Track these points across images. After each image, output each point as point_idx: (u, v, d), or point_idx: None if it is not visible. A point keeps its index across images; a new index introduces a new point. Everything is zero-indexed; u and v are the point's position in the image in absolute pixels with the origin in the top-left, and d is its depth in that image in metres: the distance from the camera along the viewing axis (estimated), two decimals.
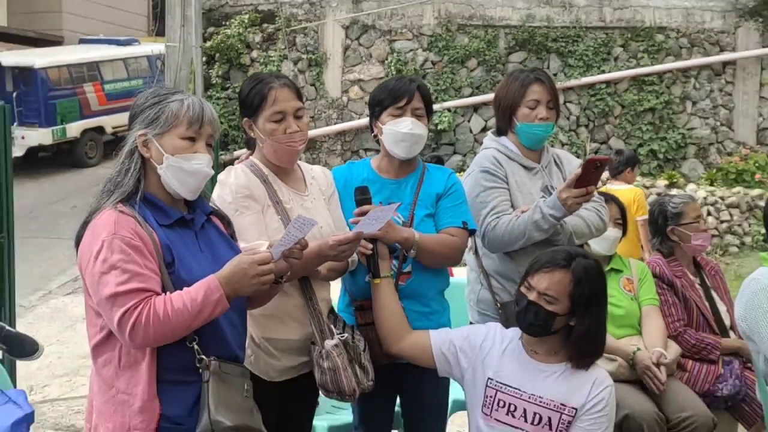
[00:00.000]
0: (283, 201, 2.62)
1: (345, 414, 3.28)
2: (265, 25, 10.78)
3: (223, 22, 10.76)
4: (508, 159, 3.08)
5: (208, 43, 10.55)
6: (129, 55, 16.58)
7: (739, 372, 3.44)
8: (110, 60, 16.12)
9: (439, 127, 10.44)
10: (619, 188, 7.00)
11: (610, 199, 3.61)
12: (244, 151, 2.86)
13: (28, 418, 2.55)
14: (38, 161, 15.26)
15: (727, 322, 3.65)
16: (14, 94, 14.30)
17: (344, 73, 10.87)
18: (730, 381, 3.41)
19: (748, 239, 10.06)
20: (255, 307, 2.37)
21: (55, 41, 18.40)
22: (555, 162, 3.20)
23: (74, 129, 15.17)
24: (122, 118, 15.62)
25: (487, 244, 3.01)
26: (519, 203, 3.01)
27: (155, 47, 16.93)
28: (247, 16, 10.70)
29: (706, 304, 3.64)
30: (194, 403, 2.07)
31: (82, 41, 17.76)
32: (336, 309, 2.88)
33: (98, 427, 2.09)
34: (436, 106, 10.32)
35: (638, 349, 3.31)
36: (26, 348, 3.36)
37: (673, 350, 3.42)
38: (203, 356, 2.07)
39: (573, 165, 3.20)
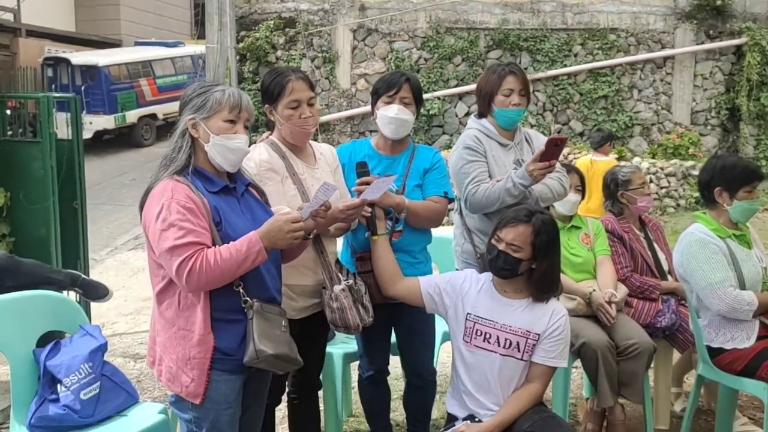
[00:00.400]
0: (298, 173, 2.60)
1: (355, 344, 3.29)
2: (287, 29, 10.59)
3: (253, 27, 10.57)
4: (487, 137, 3.05)
5: (241, 45, 10.41)
6: (175, 55, 16.41)
7: (675, 308, 3.42)
8: (160, 59, 15.97)
9: (430, 112, 10.35)
10: (600, 159, 6.96)
11: (572, 169, 3.57)
12: (266, 133, 2.83)
13: (102, 348, 2.56)
14: (103, 143, 15.20)
15: (666, 268, 3.63)
16: (82, 88, 14.18)
17: (353, 68, 10.73)
18: (667, 315, 3.40)
19: (682, 201, 10.02)
20: (288, 261, 2.36)
21: (115, 44, 18.20)
22: (526, 139, 3.17)
23: (132, 116, 15.10)
24: (172, 107, 15.66)
25: (468, 207, 2.99)
26: (495, 174, 2.99)
27: (197, 48, 16.71)
28: (272, 22, 10.51)
29: (649, 253, 3.62)
30: (242, 338, 2.07)
31: (137, 43, 17.58)
32: (341, 260, 2.89)
33: (162, 358, 2.10)
34: (427, 95, 10.25)
35: (594, 290, 3.29)
36: (99, 292, 3.37)
37: (622, 291, 3.41)
38: (247, 298, 2.07)
39: (540, 141, 3.16)
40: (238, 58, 10.36)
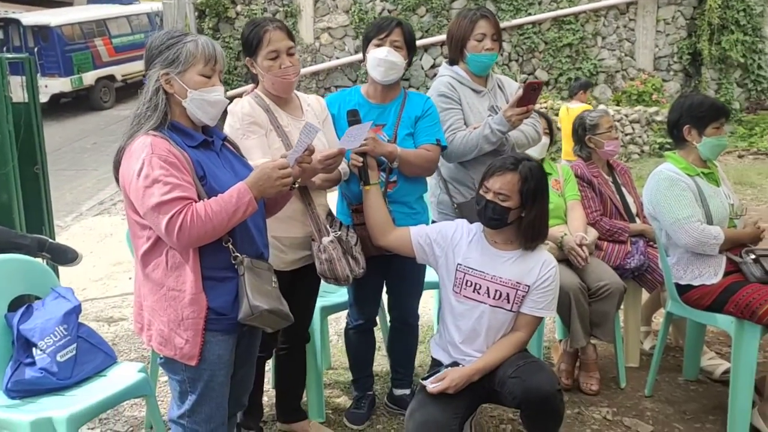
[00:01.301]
0: (283, 125, 2.55)
1: (334, 296, 3.29)
2: None
3: None
4: (461, 84, 3.02)
5: (199, 0, 10.09)
6: (131, 12, 15.85)
7: (644, 249, 3.49)
8: (115, 17, 15.40)
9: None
10: (574, 107, 7.05)
11: (540, 114, 3.57)
12: (250, 85, 2.75)
13: (77, 309, 2.51)
14: (61, 107, 14.75)
15: (634, 211, 3.69)
16: (35, 50, 13.64)
17: (315, 22, 10.49)
18: (636, 256, 3.47)
19: (646, 147, 10.14)
20: (272, 214, 2.31)
21: (66, 2, 17.50)
22: (498, 86, 3.15)
23: (89, 78, 14.60)
24: (130, 68, 15.24)
25: (446, 156, 2.97)
26: (471, 121, 2.97)
27: (153, 5, 16.24)
28: None
29: (617, 197, 3.67)
30: (234, 297, 2.03)
31: (90, 1, 16.93)
32: (336, 213, 2.86)
33: (152, 322, 2.04)
34: None
35: (565, 234, 3.34)
36: (68, 256, 3.30)
37: (592, 234, 3.46)
38: (237, 254, 2.02)
39: (513, 87, 3.15)
40: (196, 14, 10.06)
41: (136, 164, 1.93)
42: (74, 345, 2.44)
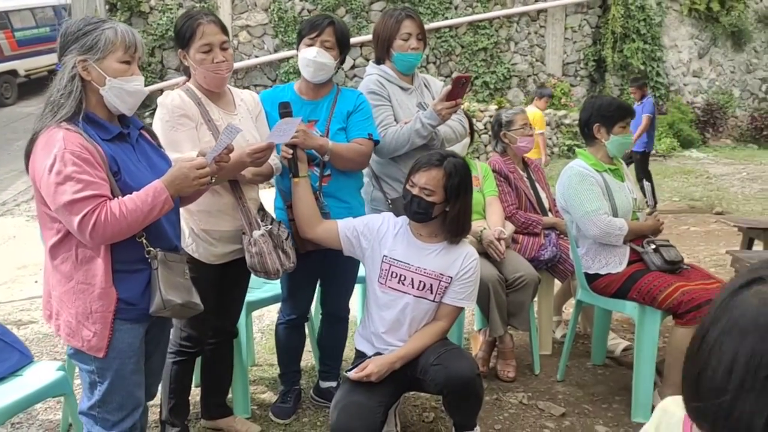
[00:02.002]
0: (214, 119, 2.53)
1: (259, 292, 3.29)
2: None
3: None
4: (388, 82, 3.08)
5: None
6: (35, 5, 15.03)
7: (556, 241, 3.67)
8: (18, 10, 14.56)
9: None
10: (529, 111, 7.41)
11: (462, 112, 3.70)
12: (183, 78, 2.71)
13: None
14: None
15: (546, 206, 3.88)
16: None
17: (233, 19, 10.34)
18: (549, 248, 3.64)
19: (556, 149, 10.60)
20: (186, 204, 2.30)
21: None
22: (424, 84, 3.24)
23: None
24: (34, 62, 14.48)
25: (377, 152, 3.02)
26: (400, 117, 3.04)
27: None
28: None
29: (531, 192, 3.84)
30: (145, 287, 2.02)
31: None
32: (273, 208, 2.86)
33: (60, 312, 2.01)
34: None
35: (484, 229, 3.46)
36: None
37: (509, 228, 3.61)
38: (151, 248, 2.01)
39: (437, 86, 3.26)
40: (107, 7, 9.70)
41: (47, 159, 1.87)
42: None
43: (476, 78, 10.92)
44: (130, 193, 1.95)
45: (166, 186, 1.95)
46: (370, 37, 11.28)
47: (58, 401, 3.05)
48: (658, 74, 11.81)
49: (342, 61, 2.90)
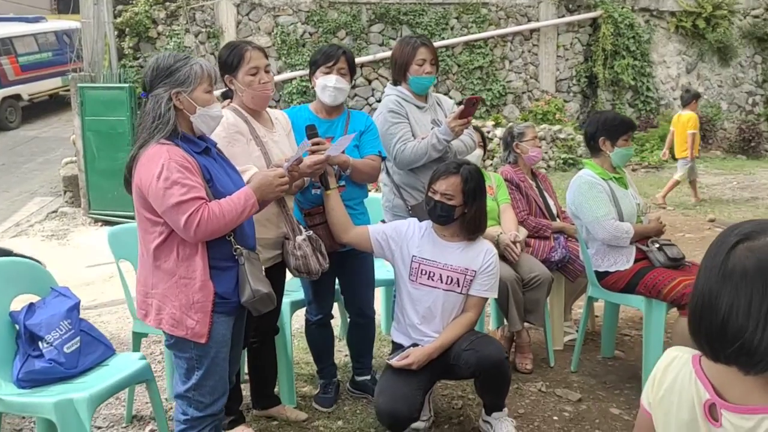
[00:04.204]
0: (260, 136, 2.85)
1: (298, 294, 3.60)
2: (167, 3, 10.37)
3: (131, 1, 10.27)
4: (406, 102, 3.44)
5: (119, 19, 10.09)
6: (38, 31, 15.33)
7: (565, 244, 4.00)
8: (22, 36, 14.87)
9: None
10: (685, 113, 8.75)
11: (475, 128, 4.05)
12: (227, 101, 3.05)
13: (77, 305, 2.71)
14: None
15: (554, 211, 4.23)
16: None
17: None
18: (559, 250, 3.97)
19: (552, 163, 10.97)
20: (257, 212, 2.60)
21: None
22: (437, 102, 3.61)
23: None
24: (37, 86, 14.80)
25: (398, 164, 3.38)
26: (417, 133, 3.40)
27: (61, 24, 15.85)
28: None
29: (540, 199, 4.19)
30: (235, 284, 2.32)
31: None
32: None
33: (162, 307, 2.29)
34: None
35: (500, 233, 3.80)
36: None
37: (523, 233, 3.94)
38: (238, 246, 2.33)
39: (448, 104, 3.64)
40: (116, 33, 10.04)
41: (155, 168, 2.18)
42: (78, 338, 2.65)
43: (473, 95, 11.31)
44: (220, 198, 2.27)
45: (254, 191, 2.30)
46: (370, 58, 11.63)
47: (117, 398, 3.35)
48: (648, 89, 12.26)
49: (351, 85, 3.26)
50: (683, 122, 8.68)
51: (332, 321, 3.42)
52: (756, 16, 13.00)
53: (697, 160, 9.25)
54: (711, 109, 12.78)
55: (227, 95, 2.95)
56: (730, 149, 12.59)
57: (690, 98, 8.98)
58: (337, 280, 3.36)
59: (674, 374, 1.34)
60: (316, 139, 2.95)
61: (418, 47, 3.42)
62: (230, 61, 2.82)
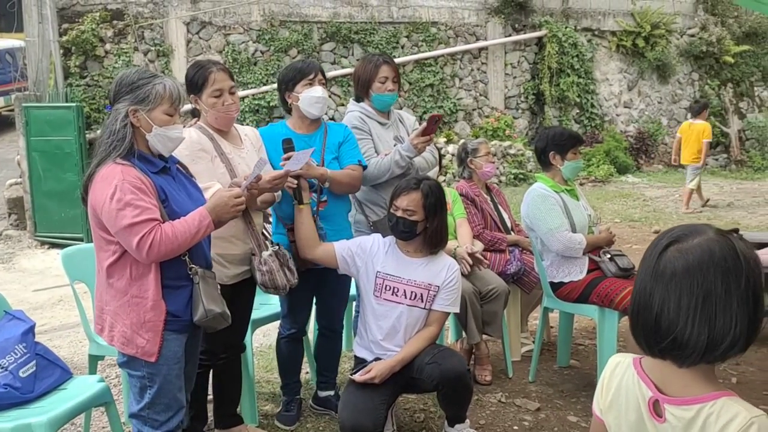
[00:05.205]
0: (226, 153, 2.86)
1: (260, 311, 3.59)
2: (115, 21, 10.23)
3: (77, 19, 10.07)
4: (368, 118, 3.49)
5: (65, 38, 9.89)
6: None
7: (520, 256, 4.11)
8: None
9: (271, 103, 10.56)
10: (697, 123, 9.13)
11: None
12: (194, 119, 3.04)
13: (32, 329, 2.64)
14: None
15: (509, 225, 4.34)
16: None
17: (188, 62, 10.59)
18: (514, 263, 4.07)
19: (503, 178, 11.20)
20: (215, 229, 2.62)
21: None
22: (399, 119, 3.67)
23: None
24: None
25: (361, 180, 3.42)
26: (380, 149, 3.45)
27: (3, 42, 15.42)
28: (98, 14, 10.06)
29: (495, 213, 4.29)
30: (187, 301, 2.32)
31: None
32: (272, 233, 3.19)
33: (114, 324, 2.28)
34: (267, 87, 10.47)
35: (457, 246, 3.88)
36: None
37: (478, 245, 4.02)
38: (192, 265, 2.33)
39: (410, 120, 3.70)
40: (62, 51, 9.84)
41: (108, 189, 2.18)
42: (34, 362, 2.57)
43: (425, 112, 11.49)
44: (175, 218, 2.26)
45: (209, 212, 2.29)
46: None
47: (72, 423, 3.26)
48: (592, 105, 12.66)
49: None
50: (697, 131, 9.09)
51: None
52: (692, 35, 13.61)
53: (641, 174, 9.60)
54: (652, 125, 13.27)
55: (195, 113, 2.94)
56: (670, 163, 13.09)
57: (700, 108, 9.45)
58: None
59: (619, 378, 1.42)
60: (287, 154, 2.96)
61: (381, 65, 3.47)
62: (195, 81, 2.83)
